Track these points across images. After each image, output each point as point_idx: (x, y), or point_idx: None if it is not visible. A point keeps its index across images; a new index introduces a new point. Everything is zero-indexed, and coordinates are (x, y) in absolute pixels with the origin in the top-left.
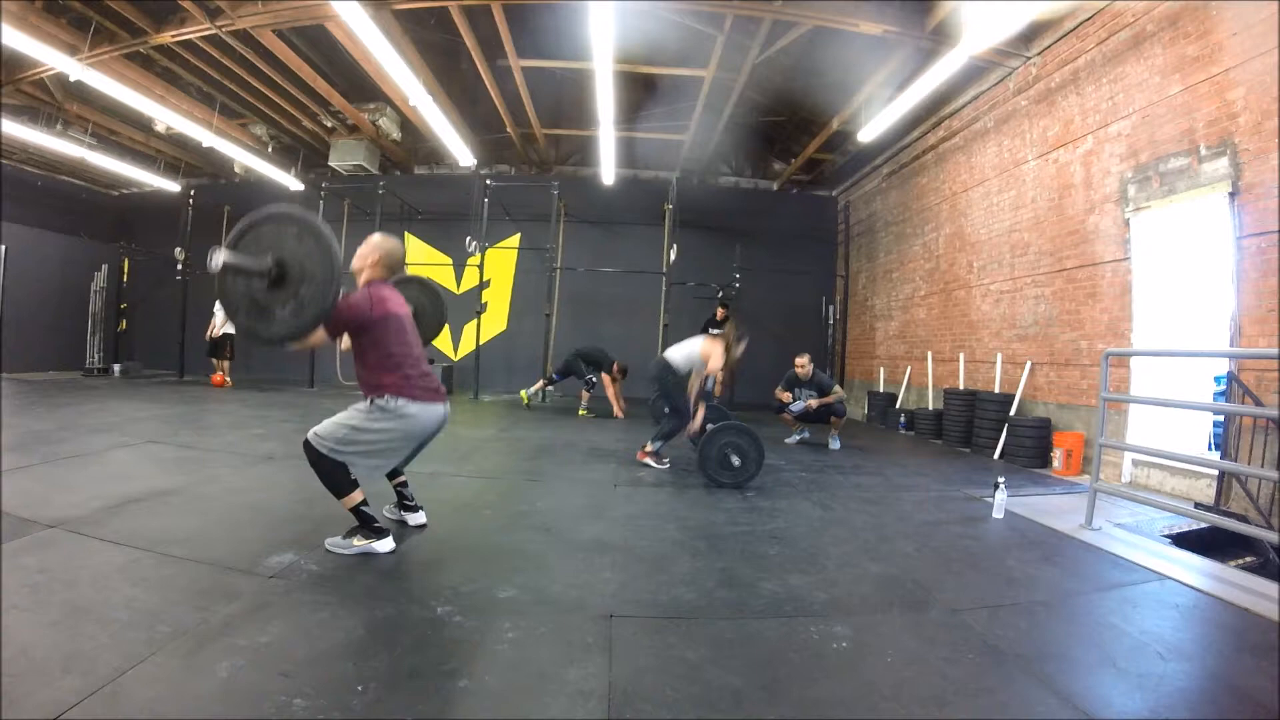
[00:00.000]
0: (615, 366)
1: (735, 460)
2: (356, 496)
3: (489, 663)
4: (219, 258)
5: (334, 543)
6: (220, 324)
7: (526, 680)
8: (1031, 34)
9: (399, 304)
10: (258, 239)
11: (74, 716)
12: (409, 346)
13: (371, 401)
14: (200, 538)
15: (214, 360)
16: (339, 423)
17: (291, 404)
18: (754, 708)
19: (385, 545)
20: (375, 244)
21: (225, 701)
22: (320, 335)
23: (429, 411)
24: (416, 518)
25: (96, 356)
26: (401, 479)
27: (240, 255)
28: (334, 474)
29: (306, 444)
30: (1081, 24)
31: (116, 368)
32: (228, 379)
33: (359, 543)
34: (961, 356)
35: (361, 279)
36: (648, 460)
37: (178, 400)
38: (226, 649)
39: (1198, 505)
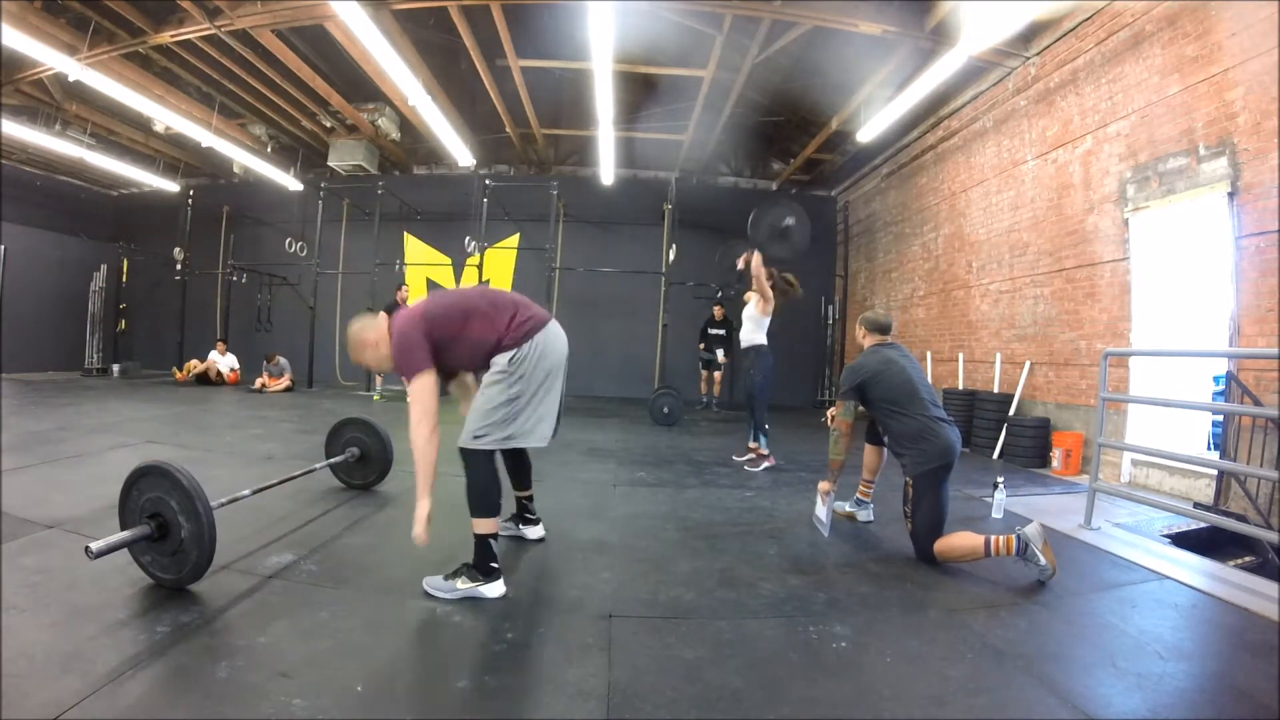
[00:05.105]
0: None
1: (790, 220)
2: (492, 525)
3: (489, 663)
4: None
5: (434, 584)
6: None
7: (526, 680)
8: (1030, 34)
9: (436, 305)
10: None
11: (74, 716)
12: (489, 317)
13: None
14: None
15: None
16: (482, 410)
17: (291, 404)
18: (754, 708)
19: (495, 590)
20: (359, 338)
21: (225, 702)
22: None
23: (550, 333)
24: (536, 531)
25: (95, 357)
26: (528, 492)
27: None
28: (489, 488)
29: (462, 452)
30: (1080, 24)
31: (115, 368)
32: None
33: (463, 585)
34: (960, 356)
35: (381, 350)
36: (764, 465)
37: (176, 401)
38: (226, 649)
39: (1197, 505)
